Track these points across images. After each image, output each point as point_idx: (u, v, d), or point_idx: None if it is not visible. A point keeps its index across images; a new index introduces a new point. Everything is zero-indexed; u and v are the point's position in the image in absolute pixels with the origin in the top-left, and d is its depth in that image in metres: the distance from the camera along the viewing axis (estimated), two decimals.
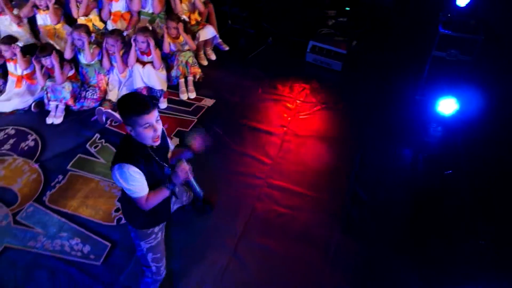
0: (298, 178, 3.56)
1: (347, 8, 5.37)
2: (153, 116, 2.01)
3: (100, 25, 4.61)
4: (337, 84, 4.58)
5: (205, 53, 4.85)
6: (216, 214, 3.31)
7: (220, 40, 4.98)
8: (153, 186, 2.16)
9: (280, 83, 4.56)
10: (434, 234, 3.09)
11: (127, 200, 2.26)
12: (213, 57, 4.91)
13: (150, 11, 4.61)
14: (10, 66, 4.19)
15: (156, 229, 2.42)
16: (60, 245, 3.09)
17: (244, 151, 3.81)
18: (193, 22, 4.63)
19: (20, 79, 4.18)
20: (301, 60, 4.84)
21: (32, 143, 3.89)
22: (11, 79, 4.21)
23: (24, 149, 3.84)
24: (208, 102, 4.34)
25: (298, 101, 4.33)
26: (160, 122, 2.08)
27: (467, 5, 3.93)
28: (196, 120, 4.12)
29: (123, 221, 3.18)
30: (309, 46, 4.71)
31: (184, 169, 2.14)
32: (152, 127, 2.02)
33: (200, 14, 4.71)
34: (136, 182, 2.05)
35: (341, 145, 3.87)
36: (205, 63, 4.81)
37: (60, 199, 3.40)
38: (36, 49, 4.06)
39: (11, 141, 3.92)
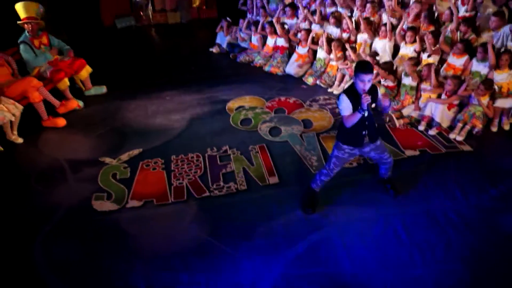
0: None
1: None
2: (367, 77, 3.50)
3: None
4: None
5: (500, 121, 5.36)
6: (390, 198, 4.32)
7: None
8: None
9: None
10: None
11: (341, 124, 3.83)
12: (506, 127, 5.34)
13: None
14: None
15: (347, 150, 3.89)
16: (307, 154, 5.07)
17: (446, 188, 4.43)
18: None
19: None
20: None
21: None
22: None
23: (332, 110, 6.08)
24: (466, 147, 5.03)
25: None
26: (370, 83, 3.54)
27: None
28: (443, 151, 4.97)
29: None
30: None
31: (365, 97, 3.49)
32: (363, 83, 3.52)
33: None
34: (343, 103, 3.63)
35: None
36: (494, 129, 5.34)
37: (326, 138, 5.37)
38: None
39: (332, 103, 6.24)
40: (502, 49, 5.36)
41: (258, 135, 5.56)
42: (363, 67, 3.55)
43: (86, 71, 6.81)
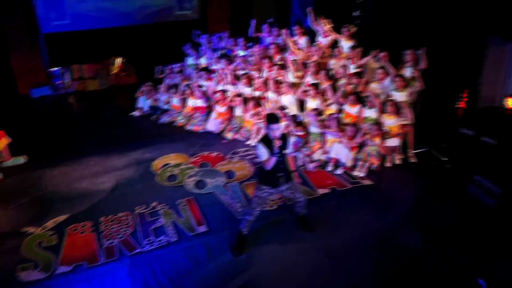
0: None
1: None
2: (275, 126, 4.12)
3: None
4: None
5: (393, 157, 6.31)
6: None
7: (411, 154, 6.33)
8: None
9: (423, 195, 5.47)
10: None
11: (260, 168, 4.40)
12: (397, 161, 6.30)
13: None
14: None
15: (266, 189, 4.42)
16: (230, 201, 5.49)
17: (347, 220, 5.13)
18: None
19: None
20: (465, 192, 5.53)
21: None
22: None
23: (251, 160, 6.62)
24: (366, 182, 5.83)
25: None
26: (279, 130, 4.16)
27: None
28: (349, 187, 5.71)
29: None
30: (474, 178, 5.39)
31: (276, 142, 4.09)
32: (273, 131, 4.14)
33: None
34: (259, 150, 4.22)
35: None
36: (389, 164, 6.25)
37: (248, 186, 5.85)
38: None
39: (251, 154, 6.80)
40: (393, 98, 6.41)
41: (185, 189, 5.87)
42: (271, 119, 4.23)
43: (3, 142, 6.70)
